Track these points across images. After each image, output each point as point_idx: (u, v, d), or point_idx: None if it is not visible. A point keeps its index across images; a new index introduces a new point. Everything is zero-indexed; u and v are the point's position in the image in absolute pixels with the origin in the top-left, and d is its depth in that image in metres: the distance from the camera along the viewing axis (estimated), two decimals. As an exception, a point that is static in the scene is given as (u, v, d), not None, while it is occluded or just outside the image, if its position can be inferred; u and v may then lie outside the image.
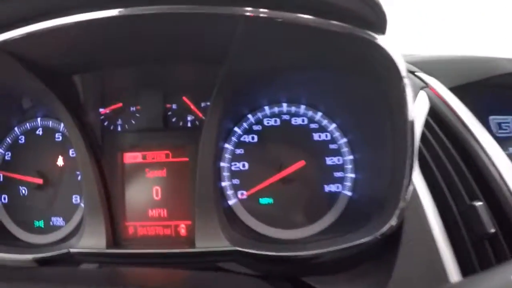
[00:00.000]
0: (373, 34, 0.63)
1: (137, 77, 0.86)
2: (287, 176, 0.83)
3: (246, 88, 0.79)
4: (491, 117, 1.02)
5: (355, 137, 0.86)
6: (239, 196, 0.85)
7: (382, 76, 0.69)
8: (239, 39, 0.66)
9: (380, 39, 0.64)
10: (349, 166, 0.86)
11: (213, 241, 0.76)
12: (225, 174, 0.86)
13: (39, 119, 0.95)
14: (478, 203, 0.72)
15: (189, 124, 0.87)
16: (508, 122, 1.03)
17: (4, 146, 0.96)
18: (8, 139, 0.96)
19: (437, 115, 0.92)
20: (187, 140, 0.85)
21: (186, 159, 0.85)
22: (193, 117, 0.87)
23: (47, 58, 0.75)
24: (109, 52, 0.78)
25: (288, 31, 0.64)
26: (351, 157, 0.86)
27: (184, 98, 0.87)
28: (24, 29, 0.63)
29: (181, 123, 0.87)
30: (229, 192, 0.85)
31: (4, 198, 0.94)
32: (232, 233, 0.79)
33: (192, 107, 0.87)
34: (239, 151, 0.86)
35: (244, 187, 0.85)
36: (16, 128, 0.96)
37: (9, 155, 0.95)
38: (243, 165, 0.86)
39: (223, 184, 0.86)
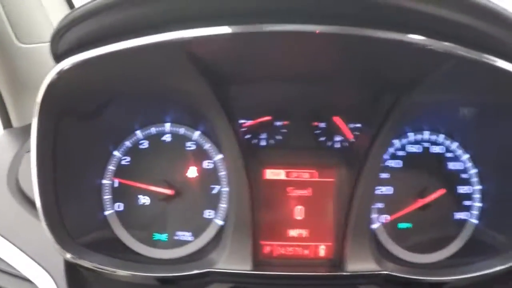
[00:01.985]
0: None
1: (289, 92, 0.83)
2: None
3: (410, 118, 0.80)
4: None
5: (485, 169, 0.90)
6: (383, 220, 0.86)
7: None
8: (438, 74, 0.66)
9: None
10: (477, 196, 0.90)
11: (364, 263, 0.77)
12: (372, 198, 0.86)
13: (168, 124, 0.88)
14: None
15: (337, 145, 0.86)
16: None
17: (122, 150, 0.87)
18: (127, 142, 0.88)
19: None
20: (336, 160, 0.84)
21: (332, 179, 0.84)
22: (341, 138, 0.86)
23: (219, 63, 0.70)
24: (271, 66, 0.74)
25: (482, 72, 0.66)
26: (479, 187, 0.90)
27: (334, 118, 0.86)
28: (211, 29, 0.58)
29: (329, 143, 0.86)
30: (374, 215, 0.86)
31: (119, 206, 0.86)
32: (379, 256, 0.80)
33: (343, 127, 0.86)
34: (384, 175, 0.87)
35: (388, 211, 0.86)
36: (138, 132, 0.88)
37: (128, 160, 0.87)
38: (388, 189, 0.87)
39: (370, 207, 0.86)
